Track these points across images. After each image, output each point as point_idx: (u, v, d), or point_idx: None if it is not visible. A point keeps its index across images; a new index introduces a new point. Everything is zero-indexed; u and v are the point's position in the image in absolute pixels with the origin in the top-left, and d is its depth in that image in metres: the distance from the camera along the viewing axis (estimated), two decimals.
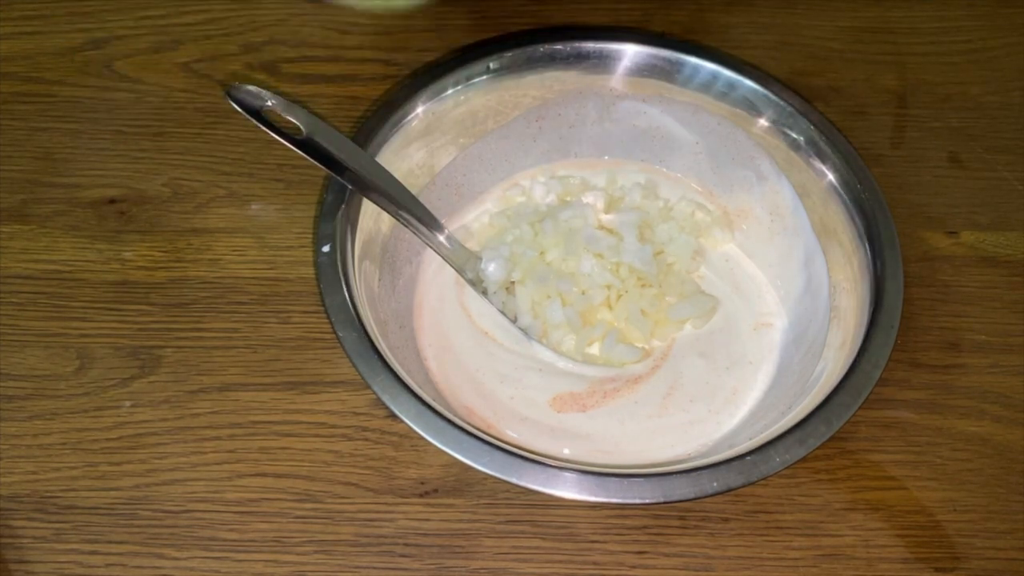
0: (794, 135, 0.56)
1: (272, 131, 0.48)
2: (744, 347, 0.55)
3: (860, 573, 0.48)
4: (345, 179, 0.49)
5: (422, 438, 0.45)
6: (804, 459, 0.45)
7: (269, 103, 0.49)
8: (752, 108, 0.57)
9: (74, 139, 0.61)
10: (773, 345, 0.55)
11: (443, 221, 0.56)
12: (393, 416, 0.46)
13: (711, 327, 0.55)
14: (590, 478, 0.44)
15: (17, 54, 0.64)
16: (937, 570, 0.48)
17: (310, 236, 0.57)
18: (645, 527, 0.49)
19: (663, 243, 0.57)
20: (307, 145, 0.49)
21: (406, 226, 0.52)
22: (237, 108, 0.48)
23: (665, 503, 0.45)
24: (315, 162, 0.49)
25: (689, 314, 0.55)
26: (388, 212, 0.51)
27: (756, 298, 0.57)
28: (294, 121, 0.49)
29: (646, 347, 0.55)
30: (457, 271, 0.56)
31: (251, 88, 0.48)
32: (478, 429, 0.45)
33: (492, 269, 0.55)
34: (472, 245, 0.58)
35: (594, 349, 0.55)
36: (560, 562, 0.48)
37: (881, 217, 0.52)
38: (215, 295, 0.55)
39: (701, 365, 0.54)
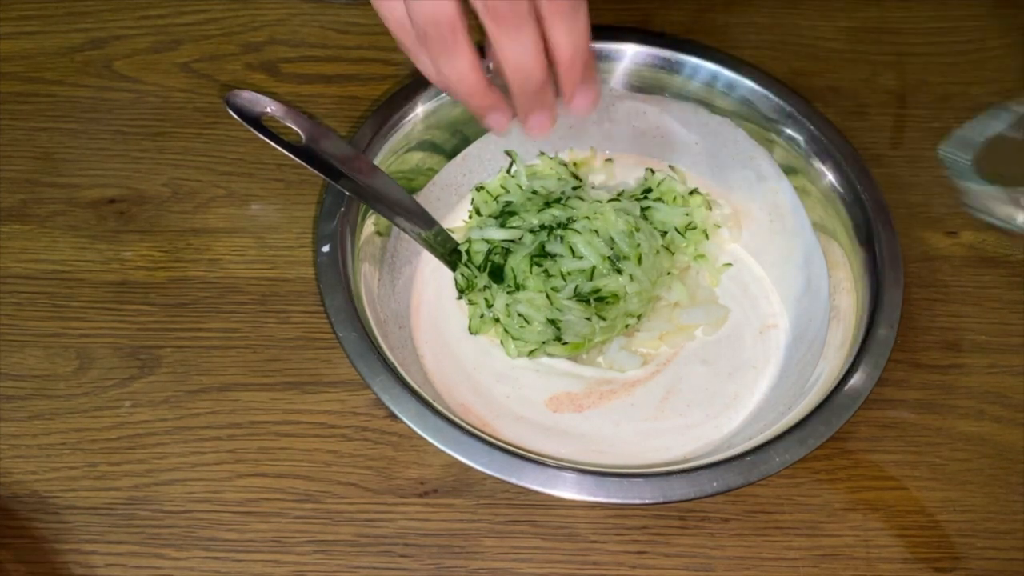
0: (794, 135, 0.56)
1: (271, 139, 0.48)
2: (748, 352, 0.54)
3: (860, 573, 0.48)
4: (342, 186, 0.49)
5: (422, 438, 0.45)
6: (804, 459, 0.45)
7: (268, 110, 0.48)
8: (752, 108, 0.57)
9: (74, 139, 0.61)
10: (777, 348, 0.55)
11: (443, 222, 0.56)
12: (393, 416, 0.46)
13: (718, 334, 0.55)
14: (590, 478, 0.44)
15: (17, 54, 0.64)
16: (937, 570, 0.48)
17: (310, 236, 0.57)
18: (645, 527, 0.49)
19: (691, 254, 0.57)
20: (306, 152, 0.49)
21: (406, 232, 0.52)
22: (236, 116, 0.47)
23: (665, 503, 0.45)
24: (313, 170, 0.49)
25: (700, 320, 0.55)
26: (387, 218, 0.51)
27: (763, 300, 0.57)
28: (293, 128, 0.49)
29: (651, 352, 0.55)
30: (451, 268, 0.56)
31: (250, 94, 0.48)
32: (476, 428, 0.45)
33: None
34: None
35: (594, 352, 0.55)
36: (560, 562, 0.48)
37: (881, 217, 0.52)
38: (215, 295, 0.55)
39: (702, 371, 0.54)
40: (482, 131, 0.58)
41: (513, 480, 0.44)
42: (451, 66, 0.42)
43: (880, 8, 0.70)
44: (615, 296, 0.52)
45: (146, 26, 0.66)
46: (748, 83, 0.57)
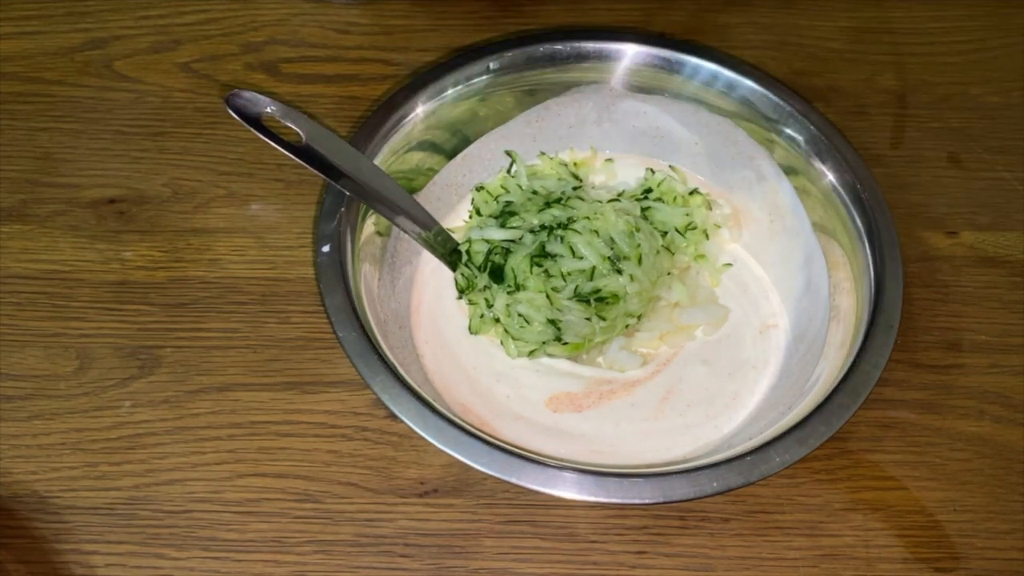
0: (794, 135, 0.56)
1: (271, 139, 0.47)
2: (748, 352, 0.54)
3: (860, 573, 0.48)
4: (342, 185, 0.49)
5: (422, 438, 0.45)
6: (804, 459, 0.45)
7: (268, 110, 0.48)
8: (752, 108, 0.57)
9: (74, 139, 0.61)
10: (777, 348, 0.55)
11: (443, 222, 0.56)
12: (393, 416, 0.46)
13: (718, 334, 0.55)
14: (590, 478, 0.44)
15: (17, 54, 0.64)
16: (937, 570, 0.48)
17: (310, 236, 0.57)
18: (645, 527, 0.49)
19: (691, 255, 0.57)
20: (306, 152, 0.49)
21: (406, 232, 0.52)
22: (235, 116, 0.47)
23: (665, 503, 0.45)
24: (313, 170, 0.49)
25: (700, 320, 0.55)
26: (387, 219, 0.51)
27: (762, 300, 0.57)
28: (293, 128, 0.49)
29: (651, 352, 0.55)
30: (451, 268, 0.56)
31: (250, 94, 0.48)
32: (476, 428, 0.45)
33: None
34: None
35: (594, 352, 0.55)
36: (560, 562, 0.48)
37: (881, 217, 0.52)
38: (215, 295, 0.55)
39: (702, 371, 0.54)
40: (482, 131, 0.58)
41: (513, 480, 0.44)
42: None
43: (880, 8, 0.70)
44: (615, 296, 0.52)
45: (146, 26, 0.66)
46: (748, 83, 0.56)
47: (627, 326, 0.54)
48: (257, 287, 0.55)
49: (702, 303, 0.56)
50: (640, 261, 0.52)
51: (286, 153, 0.48)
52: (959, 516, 0.50)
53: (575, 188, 0.57)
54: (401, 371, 0.47)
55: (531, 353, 0.53)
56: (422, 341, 0.54)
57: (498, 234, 0.54)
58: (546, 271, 0.52)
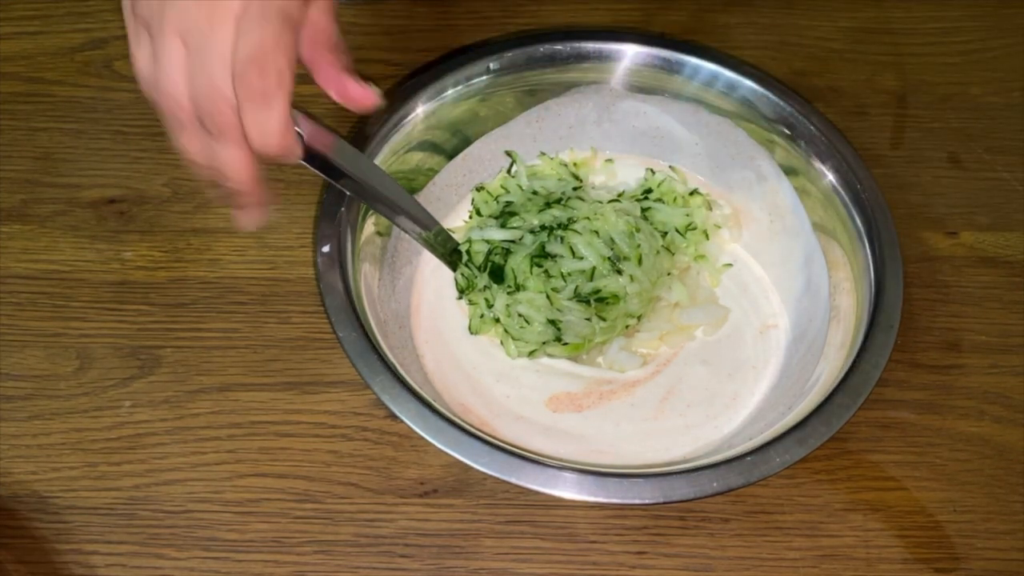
0: (794, 135, 0.56)
1: None
2: (748, 352, 0.54)
3: (860, 573, 0.48)
4: (342, 185, 0.49)
5: (422, 438, 0.45)
6: (804, 459, 0.45)
7: None
8: (752, 108, 0.57)
9: (74, 139, 0.61)
10: (777, 348, 0.55)
11: (443, 222, 0.56)
12: (393, 416, 0.46)
13: (718, 334, 0.55)
14: (590, 478, 0.44)
15: (17, 54, 0.64)
16: (937, 570, 0.48)
17: (310, 236, 0.57)
18: (645, 527, 0.49)
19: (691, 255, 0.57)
20: (306, 152, 0.49)
21: (407, 232, 0.52)
22: None
23: (665, 503, 0.45)
24: (313, 170, 0.48)
25: (700, 320, 0.55)
26: (387, 218, 0.51)
27: (763, 300, 0.56)
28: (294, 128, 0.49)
29: (651, 352, 0.55)
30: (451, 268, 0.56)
31: None
32: (476, 428, 0.45)
33: None
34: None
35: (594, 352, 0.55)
36: (560, 562, 0.48)
37: (881, 217, 0.52)
38: (215, 295, 0.55)
39: (703, 372, 0.54)
40: (483, 131, 0.58)
41: (513, 480, 0.44)
42: (232, 152, 0.39)
43: (880, 8, 0.70)
44: (615, 297, 0.52)
45: None
46: (748, 83, 0.56)
47: (627, 326, 0.54)
48: (257, 287, 0.55)
49: (702, 303, 0.56)
50: (640, 261, 0.52)
51: None
52: (959, 516, 0.50)
53: (575, 188, 0.57)
54: (401, 371, 0.47)
55: (531, 353, 0.53)
56: (422, 341, 0.54)
57: (498, 234, 0.54)
58: (546, 271, 0.52)
